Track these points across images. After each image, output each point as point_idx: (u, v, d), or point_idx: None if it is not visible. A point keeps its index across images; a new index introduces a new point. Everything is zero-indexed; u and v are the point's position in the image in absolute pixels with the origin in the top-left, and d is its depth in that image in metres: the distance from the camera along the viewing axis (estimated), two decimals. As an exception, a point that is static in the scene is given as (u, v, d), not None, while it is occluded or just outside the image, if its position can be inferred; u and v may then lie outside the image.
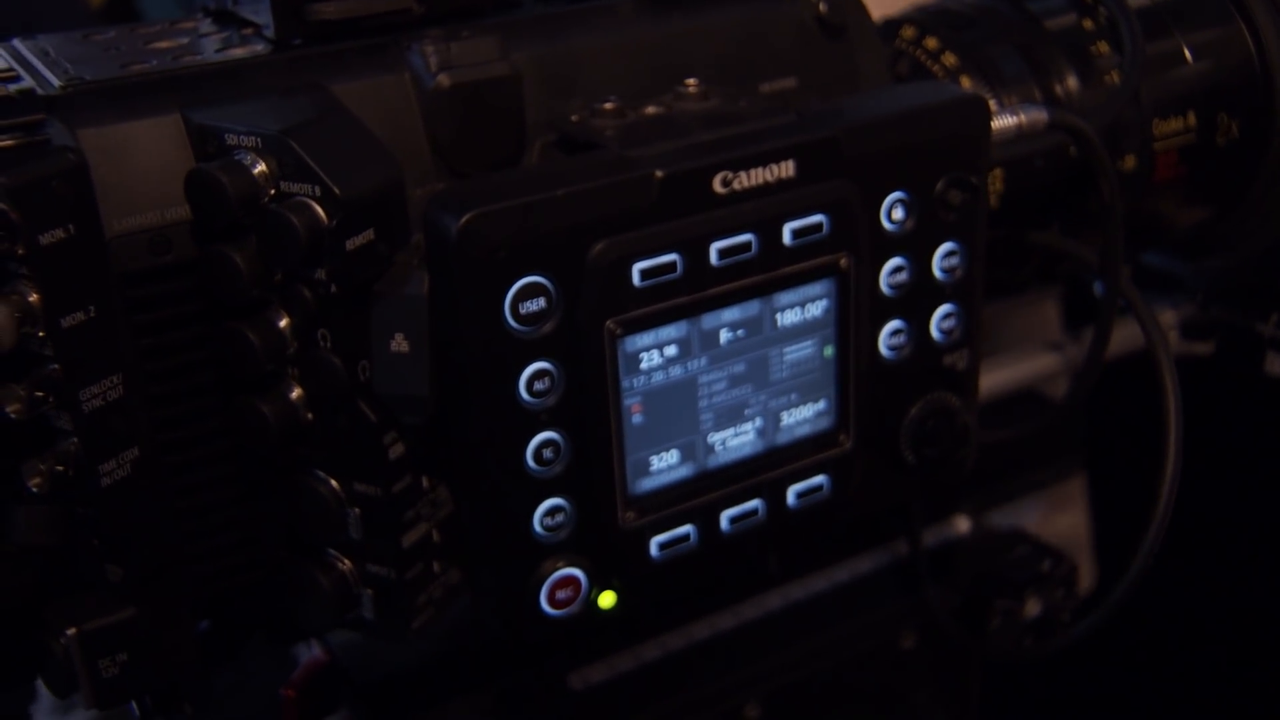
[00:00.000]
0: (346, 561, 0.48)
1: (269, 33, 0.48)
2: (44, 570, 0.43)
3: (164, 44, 0.50)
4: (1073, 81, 0.65)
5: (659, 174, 0.43)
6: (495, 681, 0.61)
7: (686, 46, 0.53)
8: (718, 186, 0.44)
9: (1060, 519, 0.80)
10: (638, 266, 0.43)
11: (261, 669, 0.62)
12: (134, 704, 0.51)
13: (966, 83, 0.65)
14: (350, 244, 0.42)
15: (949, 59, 0.65)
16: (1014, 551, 0.68)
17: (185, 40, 0.50)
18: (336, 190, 0.41)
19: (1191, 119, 0.68)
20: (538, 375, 0.43)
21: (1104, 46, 0.66)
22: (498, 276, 0.41)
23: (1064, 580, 0.67)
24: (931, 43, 0.66)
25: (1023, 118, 0.54)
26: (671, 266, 0.44)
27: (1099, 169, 0.57)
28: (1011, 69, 0.65)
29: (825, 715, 0.64)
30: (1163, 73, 0.67)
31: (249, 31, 0.51)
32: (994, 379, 0.74)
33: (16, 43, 0.50)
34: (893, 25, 0.69)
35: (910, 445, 0.52)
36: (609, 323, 0.44)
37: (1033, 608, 0.67)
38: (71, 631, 0.44)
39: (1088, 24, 0.67)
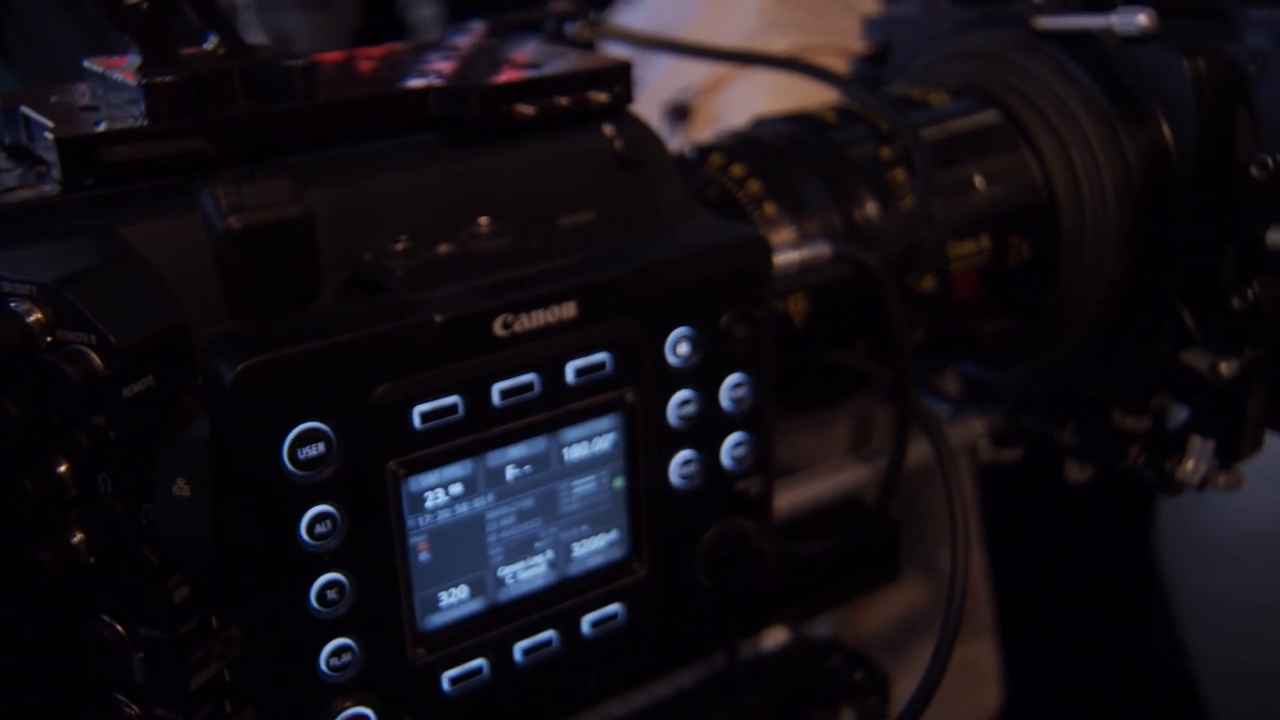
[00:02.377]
0: (134, 707, 0.47)
1: (58, 174, 0.48)
2: None
3: (-51, 183, 0.49)
4: (872, 207, 0.69)
5: (439, 318, 0.44)
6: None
7: (486, 182, 0.55)
8: (498, 329, 0.46)
9: (873, 626, 0.82)
10: (418, 409, 0.44)
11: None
12: None
13: (770, 209, 0.67)
14: (128, 391, 0.42)
15: (753, 186, 0.68)
16: (828, 661, 0.69)
17: (-31, 181, 0.50)
18: (112, 339, 0.41)
19: (985, 241, 0.72)
20: (319, 519, 0.44)
21: (900, 174, 0.70)
22: (275, 423, 0.42)
23: (877, 688, 0.69)
24: (738, 170, 0.69)
25: (805, 253, 0.57)
26: (453, 409, 0.45)
27: (884, 298, 0.60)
28: (813, 196, 0.68)
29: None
30: (956, 197, 0.71)
31: (42, 170, 0.51)
32: (816, 488, 0.76)
33: None
34: (704, 152, 0.71)
35: (705, 570, 0.53)
36: (391, 464, 0.44)
37: (848, 717, 0.68)
38: None
39: (885, 152, 0.71)
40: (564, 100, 0.56)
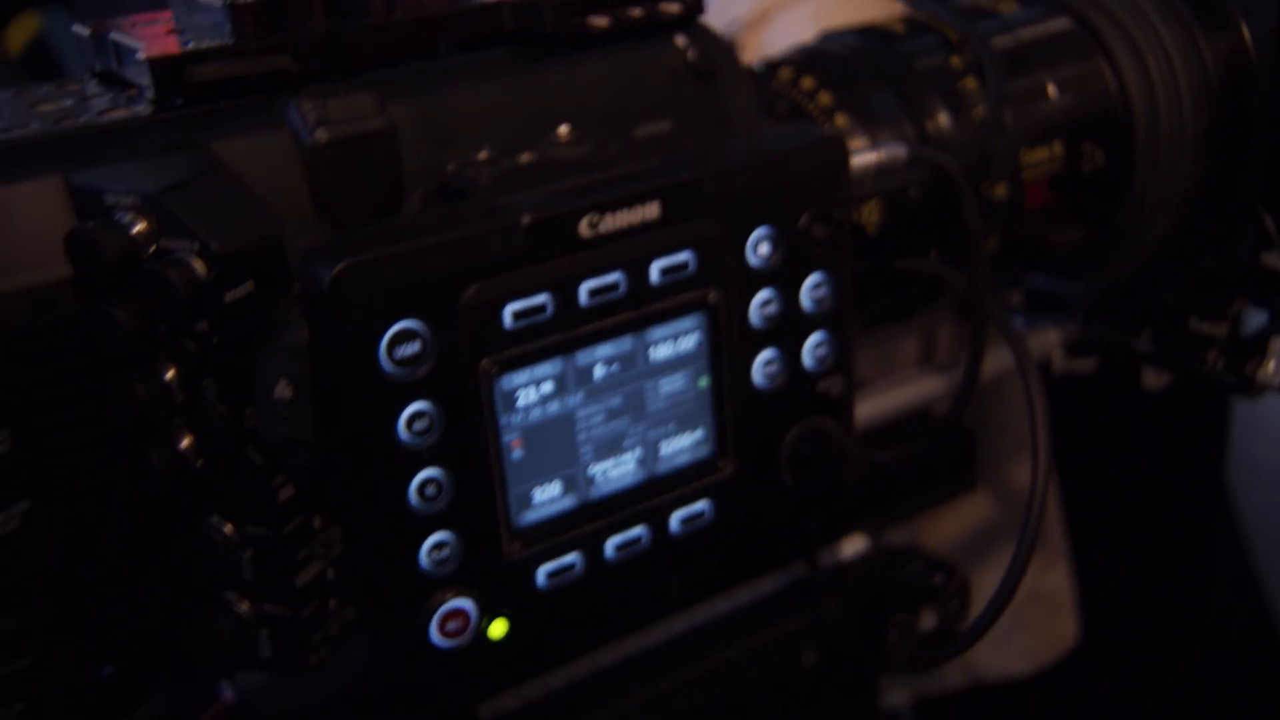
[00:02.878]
0: (244, 603, 0.49)
1: (150, 94, 0.49)
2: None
3: (48, 107, 0.51)
4: (943, 117, 0.69)
5: (526, 219, 0.45)
6: (404, 715, 0.62)
7: (562, 95, 0.55)
8: (584, 230, 0.46)
9: (942, 543, 0.83)
10: (509, 309, 0.45)
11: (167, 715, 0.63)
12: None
13: (841, 120, 0.68)
14: (229, 296, 0.43)
15: (824, 98, 0.68)
16: (907, 567, 0.70)
17: (69, 103, 0.52)
18: (213, 245, 0.43)
19: (1058, 148, 0.72)
20: (416, 416, 0.45)
21: (971, 82, 0.70)
22: (371, 323, 0.43)
23: (956, 593, 0.70)
24: (807, 83, 0.69)
25: (882, 154, 0.57)
26: (542, 308, 0.46)
27: (960, 199, 0.60)
28: (884, 107, 0.68)
29: (730, 734, 0.66)
30: (1028, 105, 0.71)
31: (133, 93, 0.52)
32: (888, 400, 0.76)
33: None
34: (772, 67, 0.72)
35: (789, 469, 0.54)
36: (484, 362, 0.45)
37: (928, 620, 0.69)
38: (-34, 684, 0.45)
39: (955, 61, 0.70)
40: (636, 12, 0.57)
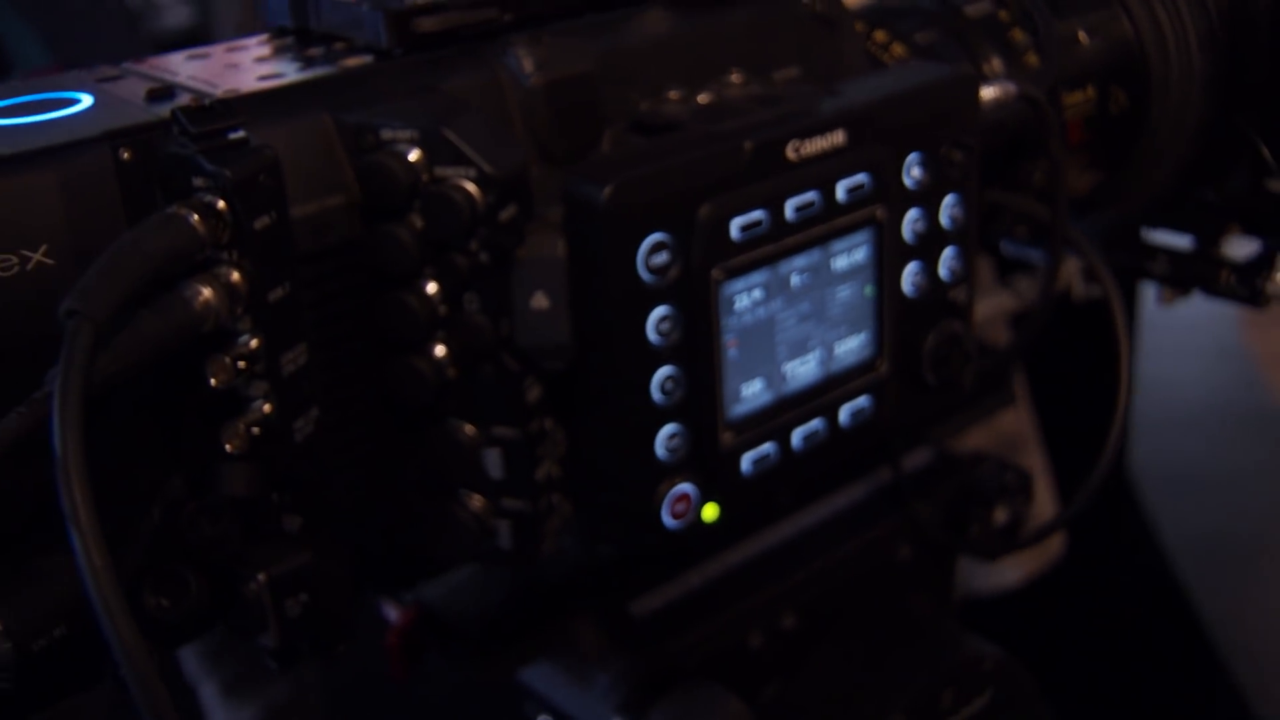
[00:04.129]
0: (478, 499, 0.55)
1: (381, 43, 0.54)
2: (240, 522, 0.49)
3: (274, 59, 0.56)
4: (997, 63, 0.77)
5: (748, 145, 0.52)
6: (563, 618, 0.68)
7: (711, 44, 0.62)
8: (790, 154, 0.53)
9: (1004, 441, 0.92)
10: (735, 222, 0.52)
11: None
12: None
13: (913, 69, 0.75)
14: (501, 217, 0.49)
15: (897, 49, 0.76)
16: (980, 469, 0.79)
17: (290, 56, 0.56)
18: (490, 171, 0.48)
19: (1091, 91, 0.81)
20: (663, 318, 0.51)
21: (1019, 34, 0.78)
22: (633, 234, 0.49)
23: (1023, 489, 0.79)
24: (880, 36, 0.76)
25: (996, 90, 0.65)
26: (759, 222, 0.53)
27: (1048, 129, 0.69)
28: (949, 55, 0.76)
29: (847, 618, 0.73)
30: (1066, 52, 0.80)
31: (340, 46, 0.57)
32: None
33: (129, 64, 0.56)
34: (841, 23, 0.79)
35: (930, 368, 0.62)
36: (714, 270, 0.52)
37: (1001, 514, 0.78)
38: (262, 576, 0.50)
39: (1003, 15, 0.79)
40: (772, -32, 0.64)
